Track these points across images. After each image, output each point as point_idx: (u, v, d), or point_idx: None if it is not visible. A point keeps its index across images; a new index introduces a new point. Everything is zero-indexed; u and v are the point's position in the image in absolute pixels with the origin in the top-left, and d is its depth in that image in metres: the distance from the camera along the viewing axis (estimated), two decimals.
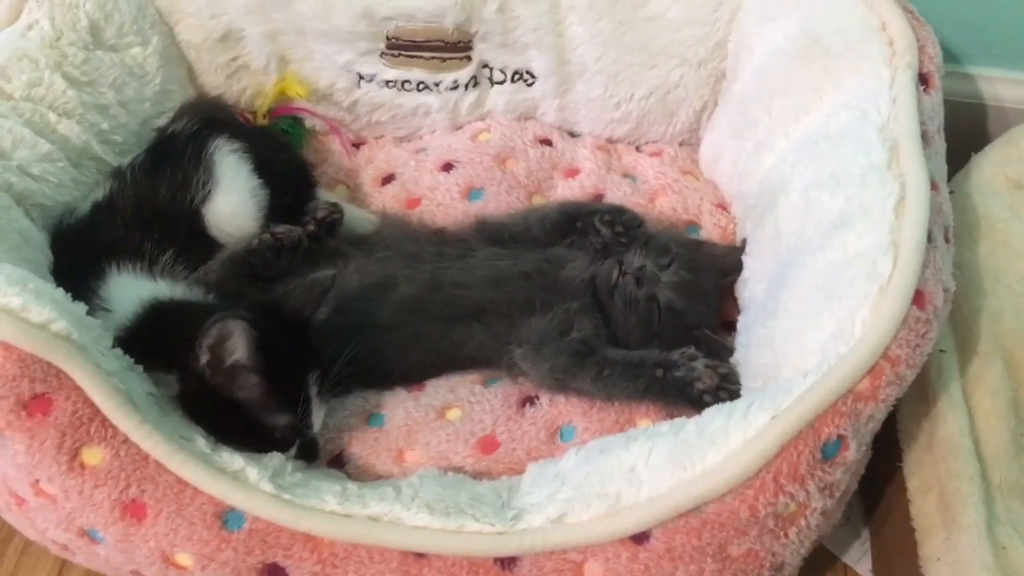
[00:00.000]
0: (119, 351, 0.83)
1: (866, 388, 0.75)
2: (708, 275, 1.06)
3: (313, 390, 0.90)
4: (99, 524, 0.81)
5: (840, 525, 0.98)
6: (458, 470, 0.92)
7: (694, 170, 1.26)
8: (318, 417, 0.91)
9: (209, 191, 1.07)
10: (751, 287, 1.02)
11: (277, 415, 0.87)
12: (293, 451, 0.89)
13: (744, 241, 1.08)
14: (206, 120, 1.18)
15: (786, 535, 0.77)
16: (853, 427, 0.75)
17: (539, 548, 0.78)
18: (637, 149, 1.30)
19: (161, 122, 1.20)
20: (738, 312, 1.03)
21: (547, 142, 1.28)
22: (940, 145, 0.95)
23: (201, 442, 0.82)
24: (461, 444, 0.95)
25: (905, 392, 0.80)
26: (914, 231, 0.80)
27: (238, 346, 0.83)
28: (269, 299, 0.94)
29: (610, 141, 1.30)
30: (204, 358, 0.83)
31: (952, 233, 0.89)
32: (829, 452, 0.74)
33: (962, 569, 0.82)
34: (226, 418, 0.85)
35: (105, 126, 1.12)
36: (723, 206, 1.20)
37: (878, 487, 0.97)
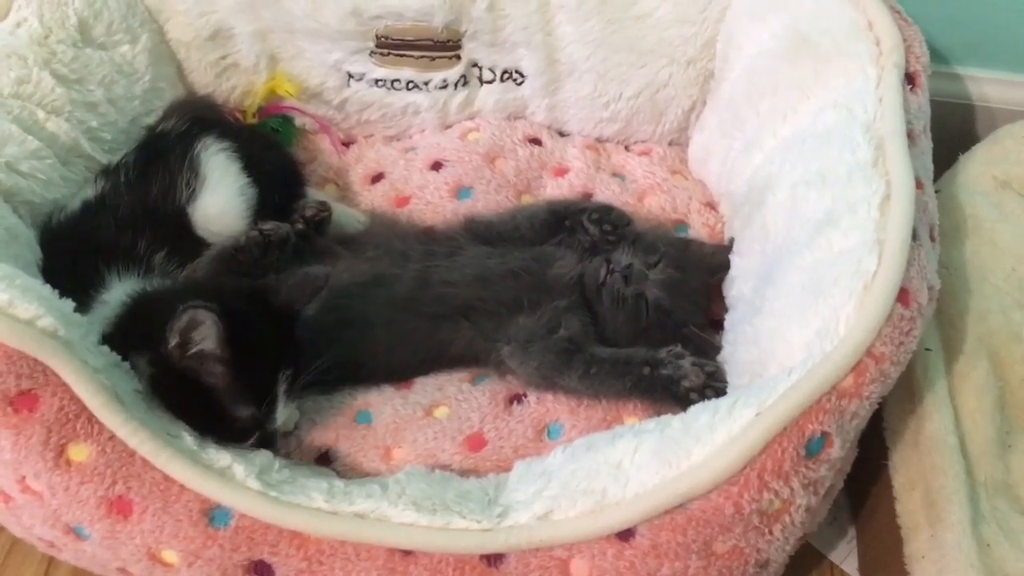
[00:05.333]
0: (105, 348, 0.83)
1: (850, 385, 0.75)
2: (696, 273, 1.06)
3: (281, 387, 0.90)
4: (85, 521, 0.81)
5: (826, 523, 0.99)
6: (445, 468, 0.92)
7: (683, 169, 1.27)
8: (282, 413, 0.91)
9: (196, 190, 1.07)
10: (738, 285, 1.02)
11: (240, 407, 0.87)
12: (251, 441, 0.89)
13: (732, 240, 1.08)
14: (195, 119, 1.18)
15: (771, 532, 0.77)
16: (837, 424, 0.75)
17: (525, 545, 0.78)
18: (626, 148, 1.30)
19: (150, 120, 1.20)
20: (725, 310, 1.04)
21: (536, 141, 1.28)
22: (926, 144, 0.96)
23: (188, 439, 0.82)
24: (448, 442, 0.95)
25: (891, 390, 0.80)
26: (899, 229, 0.81)
27: (206, 335, 0.83)
28: (259, 286, 0.94)
29: (599, 140, 1.31)
30: (173, 341, 0.83)
31: (937, 231, 0.90)
32: (813, 449, 0.74)
33: (947, 566, 0.82)
34: (190, 402, 0.85)
35: (94, 124, 1.12)
36: (711, 205, 1.21)
37: (864, 485, 0.97)
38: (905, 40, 0.97)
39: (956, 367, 0.93)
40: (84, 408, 0.78)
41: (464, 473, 0.91)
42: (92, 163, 1.11)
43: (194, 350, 0.83)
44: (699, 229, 1.18)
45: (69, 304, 0.83)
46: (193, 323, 0.82)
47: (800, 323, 0.82)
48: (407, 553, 0.78)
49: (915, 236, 0.82)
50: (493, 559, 0.78)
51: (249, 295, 0.92)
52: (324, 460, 0.96)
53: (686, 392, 0.91)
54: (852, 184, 0.87)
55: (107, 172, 1.10)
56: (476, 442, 0.95)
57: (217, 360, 0.84)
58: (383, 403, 0.99)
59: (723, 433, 0.75)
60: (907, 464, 0.90)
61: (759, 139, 1.08)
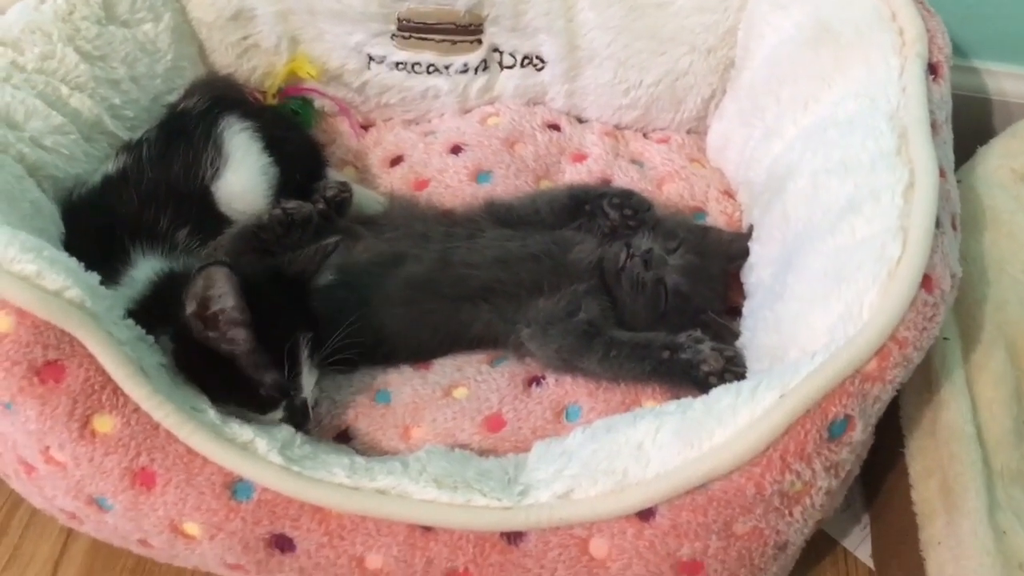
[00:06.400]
0: (131, 321, 0.84)
1: (874, 369, 0.75)
2: (715, 260, 1.06)
3: (303, 352, 0.90)
4: (108, 492, 0.82)
5: (841, 510, 0.99)
6: (464, 447, 0.93)
7: (701, 158, 1.27)
8: (308, 381, 0.91)
9: (219, 168, 1.08)
10: (758, 272, 1.02)
11: (263, 372, 0.87)
12: (280, 413, 0.89)
13: (751, 227, 1.08)
14: (217, 98, 1.19)
15: (791, 514, 0.78)
16: (860, 407, 0.75)
17: (545, 523, 0.78)
18: (644, 136, 1.30)
19: (172, 99, 1.21)
20: (743, 298, 1.04)
21: (555, 127, 1.29)
22: (948, 135, 0.96)
23: (211, 413, 0.83)
24: (467, 422, 0.95)
25: (909, 379, 0.80)
26: (923, 216, 0.81)
27: (224, 292, 0.83)
28: (272, 263, 0.95)
29: (618, 127, 1.31)
30: (191, 307, 0.84)
31: (959, 221, 0.90)
32: (836, 431, 0.75)
33: (963, 553, 0.83)
34: (214, 373, 0.86)
35: (116, 101, 1.13)
36: (729, 193, 1.21)
37: (879, 472, 0.97)
38: (928, 31, 0.98)
39: (974, 357, 0.94)
40: (109, 380, 0.78)
41: (483, 453, 0.92)
42: (114, 140, 1.12)
43: (214, 309, 0.84)
44: (717, 217, 1.18)
45: (95, 277, 0.83)
46: (209, 282, 0.82)
47: (823, 308, 0.82)
48: (427, 529, 0.79)
49: (938, 224, 0.82)
50: (513, 537, 0.79)
51: (264, 268, 0.93)
52: (343, 438, 0.96)
53: (705, 376, 0.92)
54: (876, 172, 0.88)
55: (128, 147, 1.11)
56: (495, 423, 0.96)
57: (237, 323, 0.85)
58: (402, 383, 1.00)
59: (746, 415, 0.75)
60: (924, 452, 0.90)
61: (779, 127, 1.08)
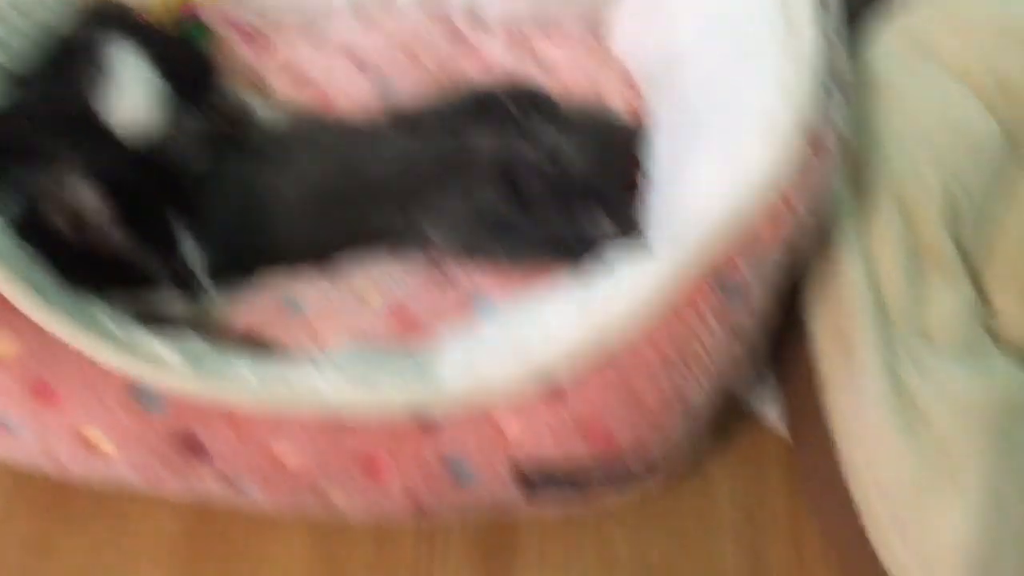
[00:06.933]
0: (16, 237, 0.82)
1: (764, 229, 0.76)
2: (618, 148, 1.07)
3: (178, 225, 0.90)
4: (12, 412, 0.81)
5: (755, 384, 1.02)
6: (375, 344, 0.93)
7: (602, 51, 1.26)
8: (189, 249, 0.91)
9: (109, 91, 1.05)
10: (657, 155, 1.03)
11: (142, 254, 0.88)
12: (170, 286, 0.90)
13: (651, 115, 1.09)
14: (104, 22, 1.15)
15: (692, 375, 0.79)
16: (753, 267, 0.77)
17: (459, 409, 0.79)
18: (548, 37, 1.29)
19: (60, 27, 1.16)
20: (645, 182, 1.05)
21: (456, 32, 1.27)
22: (836, 8, 0.97)
23: (109, 323, 0.81)
24: (379, 322, 0.96)
25: (808, 249, 0.82)
26: (807, 78, 0.82)
27: (81, 193, 0.84)
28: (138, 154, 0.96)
29: (519, 29, 1.29)
30: (58, 219, 0.85)
31: (849, 88, 0.91)
32: (730, 291, 0.76)
33: (863, 404, 0.86)
34: (95, 267, 0.86)
35: (0, 32, 1.09)
36: (632, 86, 1.21)
37: (788, 345, 1.00)
38: None
39: (870, 221, 0.96)
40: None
41: (395, 349, 0.92)
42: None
43: (75, 209, 0.84)
44: (620, 108, 1.18)
45: None
46: (60, 186, 0.84)
47: (717, 178, 0.83)
48: (340, 423, 0.79)
49: (825, 88, 0.83)
50: (427, 425, 0.80)
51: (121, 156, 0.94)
52: (251, 345, 0.96)
53: (609, 254, 0.92)
54: (765, 44, 0.88)
55: (15, 79, 1.07)
56: (405, 319, 0.96)
57: (105, 218, 0.85)
58: (309, 287, 1.00)
59: (644, 283, 0.77)
60: (824, 315, 0.92)
61: (677, 15, 1.08)
